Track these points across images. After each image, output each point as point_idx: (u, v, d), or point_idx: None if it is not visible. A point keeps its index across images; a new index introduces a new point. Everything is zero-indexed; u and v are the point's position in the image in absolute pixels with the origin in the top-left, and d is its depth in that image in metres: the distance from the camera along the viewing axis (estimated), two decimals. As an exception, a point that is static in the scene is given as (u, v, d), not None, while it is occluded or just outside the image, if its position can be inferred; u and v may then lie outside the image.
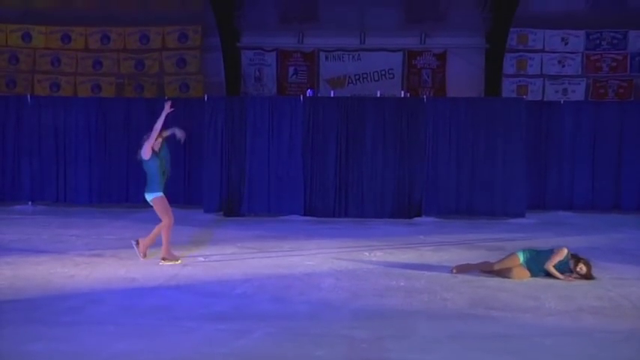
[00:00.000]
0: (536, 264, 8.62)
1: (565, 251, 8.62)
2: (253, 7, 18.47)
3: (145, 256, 9.44)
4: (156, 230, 9.50)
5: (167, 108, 9.69)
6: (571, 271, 8.52)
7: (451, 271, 8.91)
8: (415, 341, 6.11)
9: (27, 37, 19.04)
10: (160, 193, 9.42)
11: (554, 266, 8.52)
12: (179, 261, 9.41)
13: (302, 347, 5.90)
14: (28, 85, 19.01)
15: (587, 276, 8.46)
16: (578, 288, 8.13)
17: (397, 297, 7.72)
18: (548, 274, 8.53)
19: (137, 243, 9.45)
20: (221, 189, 15.00)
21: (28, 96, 16.53)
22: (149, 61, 18.91)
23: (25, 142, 15.95)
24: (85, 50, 19.06)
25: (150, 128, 9.52)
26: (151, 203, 9.49)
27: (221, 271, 9.10)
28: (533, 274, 8.58)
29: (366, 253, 10.45)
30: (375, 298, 7.68)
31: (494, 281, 8.54)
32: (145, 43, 18.88)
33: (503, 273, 8.64)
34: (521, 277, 8.54)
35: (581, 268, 8.49)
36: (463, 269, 8.93)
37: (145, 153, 9.34)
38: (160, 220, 9.46)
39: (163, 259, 9.37)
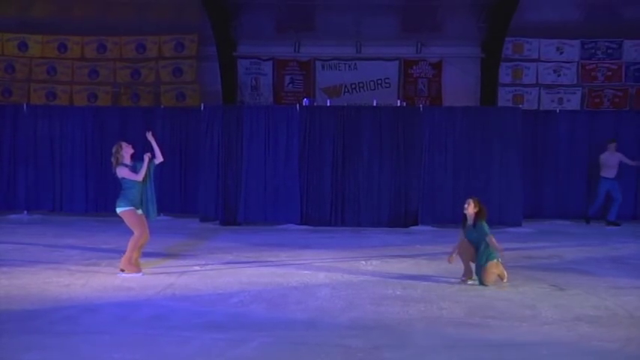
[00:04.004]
0: (478, 235, 8.75)
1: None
2: (249, 16, 18.49)
3: (139, 270, 9.32)
4: (130, 244, 9.29)
5: (151, 137, 9.60)
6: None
7: (448, 261, 9.03)
8: (412, 350, 6.10)
9: (23, 46, 19.03)
10: (130, 207, 9.26)
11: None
12: (140, 272, 9.21)
13: (299, 357, 5.89)
14: (24, 94, 18.96)
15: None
16: (575, 299, 8.14)
17: (394, 306, 7.71)
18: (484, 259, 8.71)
19: (122, 270, 9.23)
20: (217, 198, 15.01)
21: (24, 105, 16.55)
22: (145, 70, 18.91)
23: (20, 151, 15.98)
24: (81, 59, 19.04)
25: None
26: (121, 216, 9.35)
27: (217, 280, 9.08)
28: (475, 244, 8.78)
29: (363, 262, 10.46)
30: (371, 307, 7.67)
31: (491, 290, 8.55)
32: (141, 52, 18.88)
33: (460, 253, 8.96)
34: (466, 249, 8.86)
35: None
36: (455, 257, 9.05)
37: (127, 176, 9.26)
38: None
39: (122, 270, 9.21)
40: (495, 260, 8.69)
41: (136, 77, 18.97)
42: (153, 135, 9.68)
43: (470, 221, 8.95)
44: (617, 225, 14.73)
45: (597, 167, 15.15)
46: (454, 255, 9.06)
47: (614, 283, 8.98)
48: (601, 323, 7.01)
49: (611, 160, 14.98)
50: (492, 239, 8.71)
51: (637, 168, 15.20)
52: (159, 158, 9.57)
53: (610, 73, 18.63)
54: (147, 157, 9.35)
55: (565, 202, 15.59)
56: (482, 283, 8.73)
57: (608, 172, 14.97)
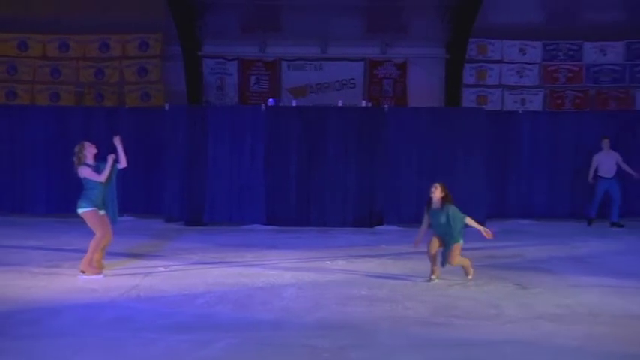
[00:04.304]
0: (445, 218, 8.87)
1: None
2: (215, 15, 18.40)
3: (100, 272, 9.21)
4: (92, 244, 9.19)
5: (118, 142, 9.49)
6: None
7: (430, 280, 9.04)
8: (377, 350, 6.13)
9: (-19, 44, 18.73)
10: (92, 208, 9.17)
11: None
12: (101, 274, 9.13)
13: (264, 357, 5.89)
14: (-18, 94, 18.66)
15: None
16: (537, 297, 8.24)
17: (359, 306, 7.74)
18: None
19: (83, 272, 9.13)
20: (182, 198, 14.92)
21: (-17, 105, 16.29)
22: (109, 70, 18.71)
23: (-21, 152, 15.69)
24: (43, 58, 18.76)
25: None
26: (82, 217, 9.28)
27: (183, 280, 9.03)
28: (440, 228, 8.95)
29: (329, 262, 10.48)
30: (337, 307, 7.69)
31: (456, 289, 8.63)
32: (105, 52, 18.67)
33: (429, 251, 9.04)
34: (434, 247, 8.96)
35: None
36: (420, 241, 9.19)
37: (89, 176, 9.16)
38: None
39: (82, 271, 9.12)
40: (461, 242, 8.89)
41: (99, 77, 18.75)
42: (120, 140, 9.57)
43: (436, 205, 9.03)
44: (621, 226, 14.52)
45: (587, 167, 15.06)
46: (419, 239, 9.18)
47: (574, 282, 9.11)
48: (562, 321, 7.11)
49: (607, 160, 14.81)
50: (470, 220, 8.95)
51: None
52: (122, 164, 9.49)
53: (571, 75, 18.89)
54: (111, 158, 9.27)
55: (528, 201, 15.74)
56: (447, 263, 8.93)
57: (605, 171, 14.78)
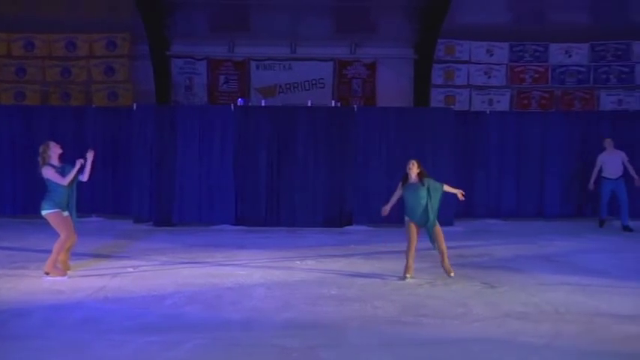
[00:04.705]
0: (421, 191, 9.12)
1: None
2: (183, 15, 18.28)
3: (65, 273, 9.12)
4: (56, 246, 9.10)
5: (90, 156, 9.37)
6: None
7: (404, 278, 9.12)
8: (347, 350, 6.15)
9: (-57, 42, 18.39)
10: (56, 210, 9.08)
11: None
12: (65, 276, 9.04)
13: (233, 358, 5.88)
14: (-56, 93, 18.33)
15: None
16: (505, 296, 8.32)
17: (329, 305, 7.75)
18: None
19: (47, 274, 9.05)
20: (151, 198, 14.82)
21: (-54, 104, 16.04)
22: (76, 69, 18.49)
23: (-59, 152, 15.42)
24: (7, 57, 18.48)
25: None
26: (46, 218, 9.18)
27: (151, 281, 8.98)
28: (414, 200, 9.16)
29: (298, 262, 10.48)
30: (306, 306, 7.70)
31: (424, 289, 8.68)
32: (71, 51, 18.45)
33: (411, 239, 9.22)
34: (413, 235, 9.20)
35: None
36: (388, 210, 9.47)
37: (52, 177, 9.06)
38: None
39: (47, 273, 9.03)
40: (438, 224, 9.19)
41: (66, 76, 18.52)
42: (93, 155, 9.44)
43: (413, 181, 9.20)
44: (631, 230, 13.95)
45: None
46: (387, 208, 9.44)
47: (541, 280, 9.20)
48: (529, 319, 7.18)
49: (612, 160, 14.38)
50: (447, 186, 9.33)
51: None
52: (85, 177, 9.35)
53: (537, 76, 19.07)
54: (79, 163, 9.17)
55: (495, 201, 15.87)
56: (439, 248, 9.18)
57: (609, 172, 14.36)
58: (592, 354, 6.13)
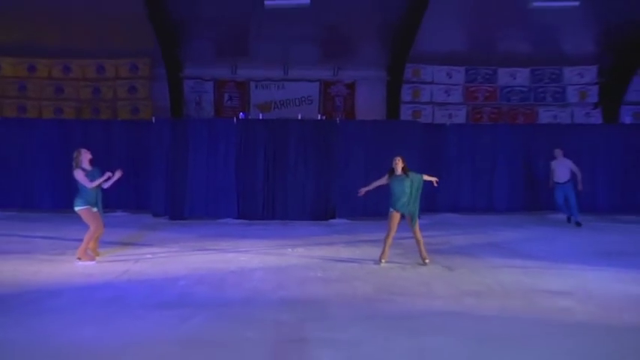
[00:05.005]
0: (406, 182, 9.15)
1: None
2: (194, 43, 18.22)
3: (94, 259, 9.06)
4: (86, 236, 9.09)
5: (118, 175, 9.30)
6: None
7: (379, 263, 9.08)
8: (331, 322, 6.15)
9: (-3, 67, 18.32)
10: (86, 206, 9.04)
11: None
12: (94, 261, 9.00)
13: (236, 329, 5.86)
14: (-4, 109, 18.25)
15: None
16: (461, 277, 8.34)
17: (316, 286, 7.75)
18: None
19: (79, 259, 9.02)
20: (166, 196, 14.77)
21: (-2, 117, 16.00)
22: (105, 89, 18.41)
23: (-5, 157, 15.44)
24: (48, 79, 18.41)
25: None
26: (78, 213, 9.15)
27: (167, 265, 8.94)
28: (399, 190, 9.13)
29: (290, 250, 10.46)
30: (297, 286, 7.69)
31: (395, 272, 8.68)
32: (101, 73, 18.38)
33: (392, 227, 9.16)
34: (394, 221, 9.12)
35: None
36: (385, 254, 9.22)
37: (81, 180, 9.01)
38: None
39: (79, 258, 9.01)
40: (417, 219, 9.21)
41: (96, 94, 18.46)
42: (120, 174, 9.35)
43: (398, 173, 9.20)
44: (580, 225, 13.50)
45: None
46: (366, 189, 9.48)
47: (491, 264, 9.24)
48: (482, 296, 7.21)
49: (561, 167, 13.92)
50: (425, 176, 9.41)
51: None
52: (107, 185, 9.30)
53: (488, 94, 19.13)
54: (107, 175, 9.15)
55: (454, 198, 15.91)
56: (415, 238, 9.16)
57: (559, 177, 13.87)
58: (531, 323, 6.17)
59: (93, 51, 18.08)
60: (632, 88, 18.93)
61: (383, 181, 9.40)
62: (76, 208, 9.08)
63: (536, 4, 15.47)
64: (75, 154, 9.16)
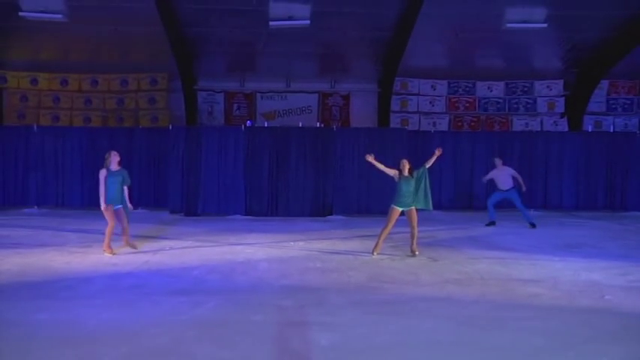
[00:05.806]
0: (413, 182, 9.10)
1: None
2: (206, 59, 18.22)
3: (112, 253, 8.98)
4: (107, 231, 9.05)
5: (130, 208, 9.34)
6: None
7: (372, 255, 9.01)
8: (328, 308, 6.16)
9: (34, 81, 18.42)
10: (106, 204, 8.97)
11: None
12: (114, 254, 8.88)
13: (243, 313, 5.87)
14: (34, 118, 18.33)
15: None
16: (444, 267, 8.36)
17: (314, 275, 7.76)
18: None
19: (105, 251, 8.99)
20: (182, 195, 14.76)
21: (35, 126, 16.11)
22: (127, 100, 18.45)
23: (31, 161, 15.62)
24: (78, 91, 18.45)
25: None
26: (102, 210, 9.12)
27: (182, 257, 8.95)
28: (408, 189, 9.07)
29: (291, 243, 10.47)
30: (298, 276, 7.70)
31: (386, 262, 8.69)
32: (124, 86, 18.43)
33: (390, 222, 9.08)
34: (393, 216, 9.06)
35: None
36: (379, 246, 9.14)
37: (100, 179, 9.00)
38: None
39: (104, 251, 8.98)
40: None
41: (120, 105, 18.53)
42: (132, 209, 9.48)
43: (405, 174, 9.12)
44: (534, 226, 12.59)
45: (479, 172, 14.90)
46: (373, 159, 9.17)
47: (470, 255, 9.25)
48: (462, 284, 7.23)
49: (502, 175, 13.01)
50: (428, 162, 9.25)
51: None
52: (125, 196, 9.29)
53: (468, 105, 19.15)
54: (127, 193, 9.22)
55: (438, 197, 15.78)
56: (412, 231, 9.08)
57: (501, 184, 12.93)
58: (506, 306, 6.20)
59: (117, 66, 18.14)
60: (594, 100, 19.08)
61: (390, 172, 9.17)
62: (102, 207, 9.08)
63: (509, 25, 15.53)
64: (106, 156, 9.18)
